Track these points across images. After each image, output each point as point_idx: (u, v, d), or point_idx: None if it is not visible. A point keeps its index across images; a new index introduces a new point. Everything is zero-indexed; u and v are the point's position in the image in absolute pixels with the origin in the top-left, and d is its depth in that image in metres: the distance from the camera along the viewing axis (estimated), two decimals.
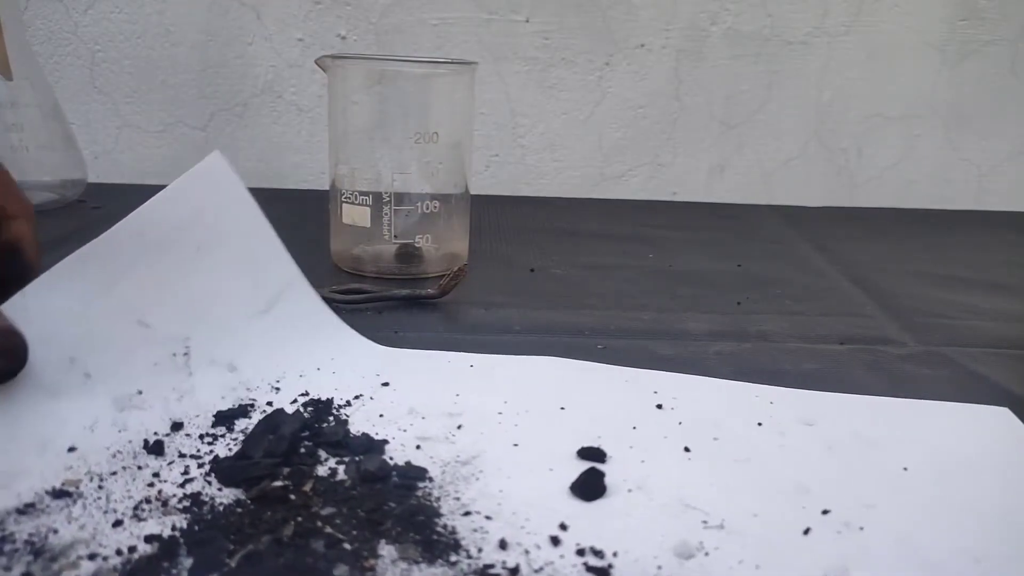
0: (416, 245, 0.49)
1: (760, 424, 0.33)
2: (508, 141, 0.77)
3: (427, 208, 0.49)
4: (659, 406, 0.34)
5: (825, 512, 0.27)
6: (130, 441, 0.29)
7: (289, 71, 0.73)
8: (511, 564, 0.23)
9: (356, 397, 0.34)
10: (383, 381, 0.35)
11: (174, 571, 0.22)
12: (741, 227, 0.70)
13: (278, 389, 0.34)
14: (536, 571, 0.23)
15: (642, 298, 0.49)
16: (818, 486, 0.28)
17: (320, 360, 0.36)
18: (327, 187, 0.51)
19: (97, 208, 0.63)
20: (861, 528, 0.26)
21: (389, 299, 0.45)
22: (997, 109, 0.80)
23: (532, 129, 0.77)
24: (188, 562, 0.23)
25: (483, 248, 0.57)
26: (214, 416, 0.31)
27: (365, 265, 0.50)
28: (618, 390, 0.35)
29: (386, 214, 0.48)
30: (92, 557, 0.23)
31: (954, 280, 0.56)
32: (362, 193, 0.48)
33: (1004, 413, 0.34)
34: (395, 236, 0.49)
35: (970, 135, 0.81)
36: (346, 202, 0.49)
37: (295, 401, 0.33)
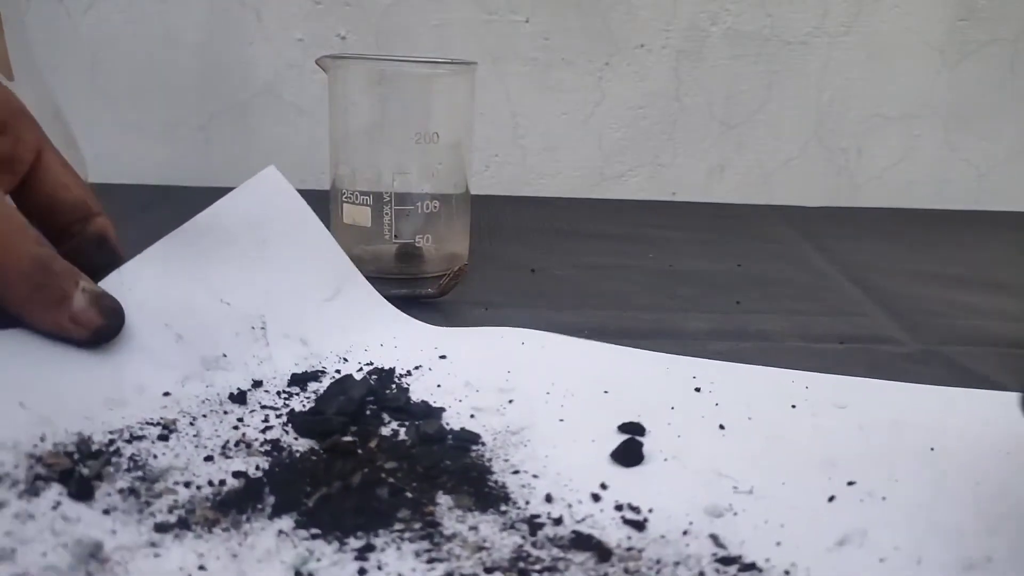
0: (416, 245, 0.50)
1: (794, 406, 0.34)
2: (508, 141, 0.77)
3: (427, 208, 0.49)
4: (697, 389, 0.35)
5: (850, 483, 0.28)
6: (217, 393, 0.32)
7: (289, 71, 0.74)
8: (556, 515, 0.26)
9: (416, 367, 0.36)
10: (441, 354, 0.38)
11: (259, 506, 0.25)
12: (741, 227, 0.70)
13: (346, 360, 0.37)
14: (578, 522, 0.25)
15: (642, 298, 0.49)
16: (846, 461, 0.29)
17: (382, 338, 0.39)
18: (327, 187, 0.51)
19: None
20: (884, 498, 0.27)
21: (389, 299, 0.45)
22: (996, 109, 0.80)
23: (532, 129, 0.77)
24: (271, 499, 0.25)
25: (483, 248, 0.57)
26: (289, 378, 0.34)
27: (365, 265, 0.50)
28: (659, 375, 0.37)
29: (387, 214, 0.48)
30: (187, 485, 0.26)
31: (954, 280, 0.56)
32: (363, 193, 0.48)
33: None
34: (395, 236, 0.49)
35: (970, 135, 0.81)
36: (347, 202, 0.49)
37: (361, 369, 0.36)
